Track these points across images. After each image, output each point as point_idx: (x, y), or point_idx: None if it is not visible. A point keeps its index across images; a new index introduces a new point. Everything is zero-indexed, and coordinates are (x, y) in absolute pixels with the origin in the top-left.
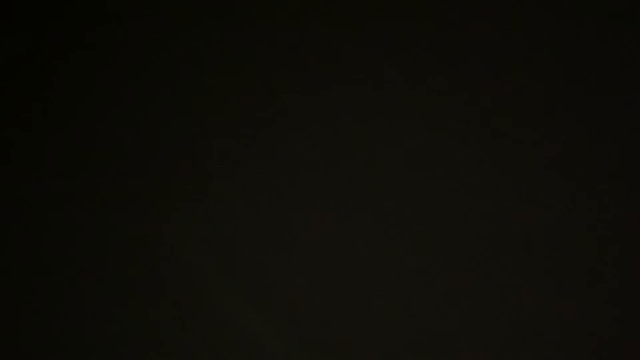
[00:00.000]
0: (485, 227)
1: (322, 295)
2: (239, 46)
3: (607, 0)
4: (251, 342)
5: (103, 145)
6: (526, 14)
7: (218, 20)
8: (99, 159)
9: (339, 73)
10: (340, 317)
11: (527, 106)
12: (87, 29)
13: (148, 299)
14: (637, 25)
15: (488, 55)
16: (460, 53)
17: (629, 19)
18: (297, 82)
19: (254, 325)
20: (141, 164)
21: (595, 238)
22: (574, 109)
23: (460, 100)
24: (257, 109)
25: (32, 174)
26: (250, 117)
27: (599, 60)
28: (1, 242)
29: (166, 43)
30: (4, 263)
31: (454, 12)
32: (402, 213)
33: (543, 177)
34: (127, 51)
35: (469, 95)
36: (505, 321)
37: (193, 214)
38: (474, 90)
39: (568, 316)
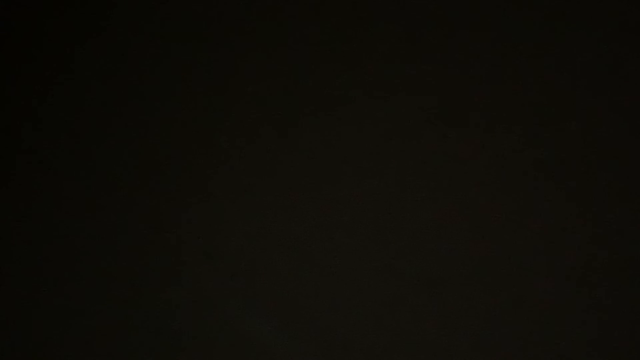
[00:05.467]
0: (482, 229)
1: (323, 297)
2: (240, 47)
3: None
4: (252, 342)
5: (104, 147)
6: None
7: (222, 20)
8: (99, 160)
9: (339, 73)
10: (341, 318)
11: (521, 108)
12: (90, 29)
13: (149, 300)
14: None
15: (483, 58)
16: (455, 58)
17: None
18: (298, 83)
19: (256, 326)
20: (142, 165)
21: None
22: (571, 108)
23: (455, 102)
24: (260, 110)
25: (32, 175)
26: (253, 118)
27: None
28: (4, 244)
29: (170, 44)
30: (7, 266)
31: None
32: (403, 216)
33: (538, 182)
34: (130, 54)
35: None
36: (503, 322)
37: (194, 215)
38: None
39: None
